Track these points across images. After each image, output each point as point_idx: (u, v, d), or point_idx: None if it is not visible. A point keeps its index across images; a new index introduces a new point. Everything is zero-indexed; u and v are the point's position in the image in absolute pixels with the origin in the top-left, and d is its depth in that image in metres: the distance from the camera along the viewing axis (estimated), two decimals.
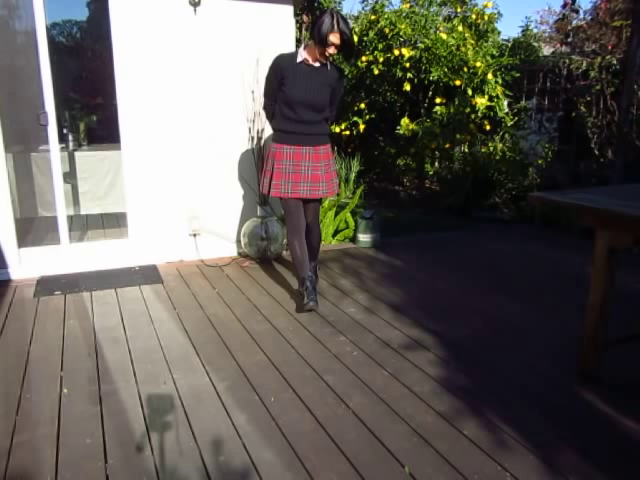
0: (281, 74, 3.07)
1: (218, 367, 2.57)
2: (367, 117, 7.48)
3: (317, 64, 3.08)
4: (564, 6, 6.50)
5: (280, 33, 4.12)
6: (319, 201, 3.35)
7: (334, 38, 2.91)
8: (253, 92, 4.06)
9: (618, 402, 2.28)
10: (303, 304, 3.22)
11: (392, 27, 6.82)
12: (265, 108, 3.33)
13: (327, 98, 3.14)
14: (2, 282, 3.70)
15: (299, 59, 3.07)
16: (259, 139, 4.16)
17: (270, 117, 3.31)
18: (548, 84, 6.36)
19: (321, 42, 2.93)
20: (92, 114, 6.14)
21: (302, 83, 3.06)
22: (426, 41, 6.70)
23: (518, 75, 6.52)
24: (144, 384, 2.41)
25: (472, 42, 6.69)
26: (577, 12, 6.43)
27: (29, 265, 3.84)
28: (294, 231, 3.25)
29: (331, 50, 2.98)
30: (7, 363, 2.61)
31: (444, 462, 1.89)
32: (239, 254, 4.39)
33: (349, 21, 2.96)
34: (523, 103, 6.66)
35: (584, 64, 5.75)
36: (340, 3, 8.83)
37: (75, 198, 5.32)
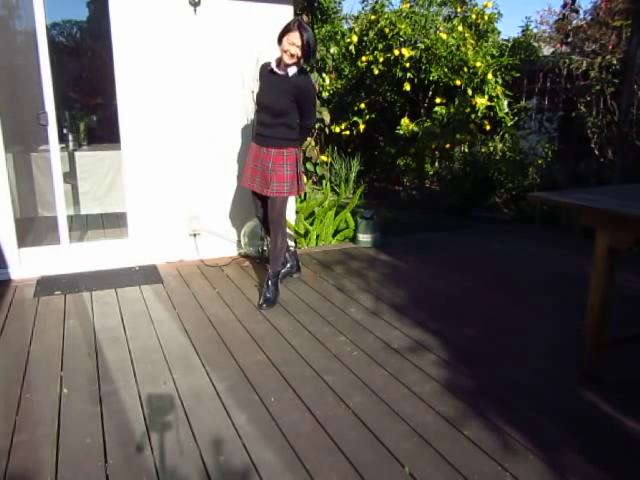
0: (260, 80, 3.40)
1: (218, 367, 2.57)
2: (367, 117, 7.48)
3: (282, 72, 3.21)
4: (564, 6, 6.51)
5: None
6: (273, 201, 3.34)
7: (294, 37, 3.06)
8: (253, 92, 4.05)
9: (618, 402, 2.28)
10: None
11: (392, 27, 6.83)
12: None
13: (286, 104, 3.22)
14: (2, 282, 3.69)
15: (269, 67, 3.27)
16: None
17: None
18: (548, 84, 6.36)
19: (280, 41, 3.13)
20: (92, 114, 6.13)
21: (265, 88, 3.33)
22: (426, 41, 6.70)
23: (518, 75, 6.52)
24: (144, 384, 2.41)
25: (472, 42, 6.70)
26: (577, 12, 6.44)
27: (29, 265, 3.84)
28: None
29: (292, 50, 3.08)
30: (7, 363, 2.61)
31: (444, 462, 1.89)
32: (239, 254, 4.39)
33: (309, 29, 3.11)
34: (523, 103, 6.66)
35: (584, 64, 5.75)
36: (340, 3, 8.83)
37: (75, 198, 5.32)
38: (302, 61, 3.21)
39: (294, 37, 3.06)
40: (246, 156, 3.54)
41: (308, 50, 3.10)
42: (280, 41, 3.15)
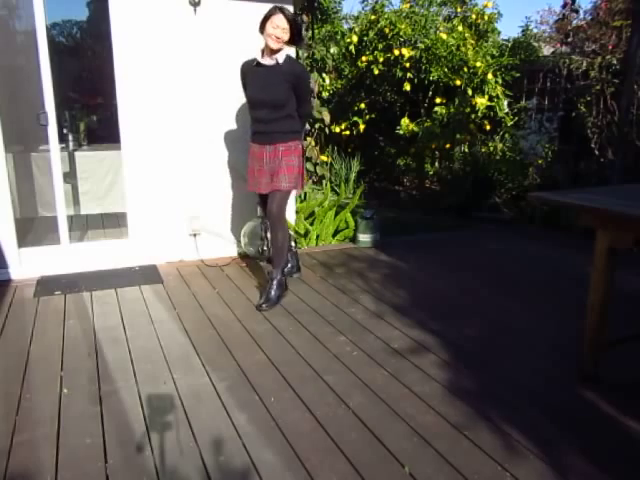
0: (244, 79, 3.34)
1: (218, 367, 2.57)
2: (367, 117, 7.48)
3: (271, 62, 3.13)
4: (564, 6, 6.49)
5: None
6: (275, 195, 3.29)
7: (278, 20, 3.01)
8: None
9: (619, 402, 2.28)
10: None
11: (392, 27, 6.83)
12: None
13: (283, 94, 3.14)
14: (2, 282, 3.69)
15: (255, 61, 3.20)
16: None
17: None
18: (548, 84, 6.36)
19: (263, 25, 3.06)
20: (92, 114, 6.14)
21: (256, 83, 3.22)
22: (426, 41, 6.70)
23: (518, 75, 6.52)
24: (144, 384, 2.41)
25: (472, 42, 6.70)
26: (577, 12, 6.42)
27: (29, 265, 3.84)
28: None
29: (277, 33, 3.01)
30: (7, 363, 2.61)
31: (444, 462, 1.89)
32: (239, 254, 4.39)
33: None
34: (523, 103, 6.66)
35: (584, 64, 5.74)
36: (340, 3, 8.84)
37: (75, 198, 5.32)
38: (297, 44, 3.13)
39: (278, 20, 3.01)
40: (248, 159, 3.47)
41: (297, 30, 3.05)
42: (262, 28, 3.08)
